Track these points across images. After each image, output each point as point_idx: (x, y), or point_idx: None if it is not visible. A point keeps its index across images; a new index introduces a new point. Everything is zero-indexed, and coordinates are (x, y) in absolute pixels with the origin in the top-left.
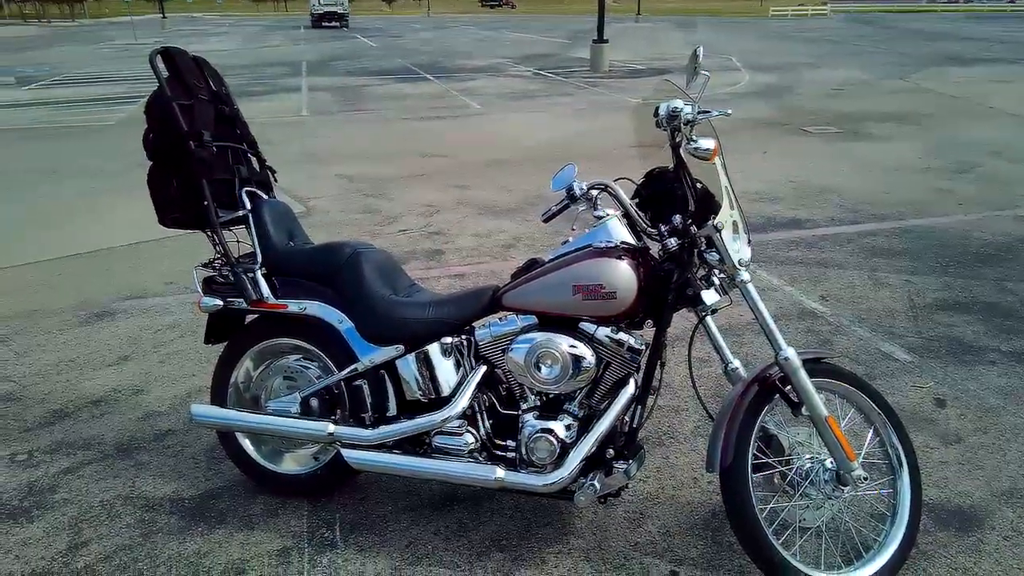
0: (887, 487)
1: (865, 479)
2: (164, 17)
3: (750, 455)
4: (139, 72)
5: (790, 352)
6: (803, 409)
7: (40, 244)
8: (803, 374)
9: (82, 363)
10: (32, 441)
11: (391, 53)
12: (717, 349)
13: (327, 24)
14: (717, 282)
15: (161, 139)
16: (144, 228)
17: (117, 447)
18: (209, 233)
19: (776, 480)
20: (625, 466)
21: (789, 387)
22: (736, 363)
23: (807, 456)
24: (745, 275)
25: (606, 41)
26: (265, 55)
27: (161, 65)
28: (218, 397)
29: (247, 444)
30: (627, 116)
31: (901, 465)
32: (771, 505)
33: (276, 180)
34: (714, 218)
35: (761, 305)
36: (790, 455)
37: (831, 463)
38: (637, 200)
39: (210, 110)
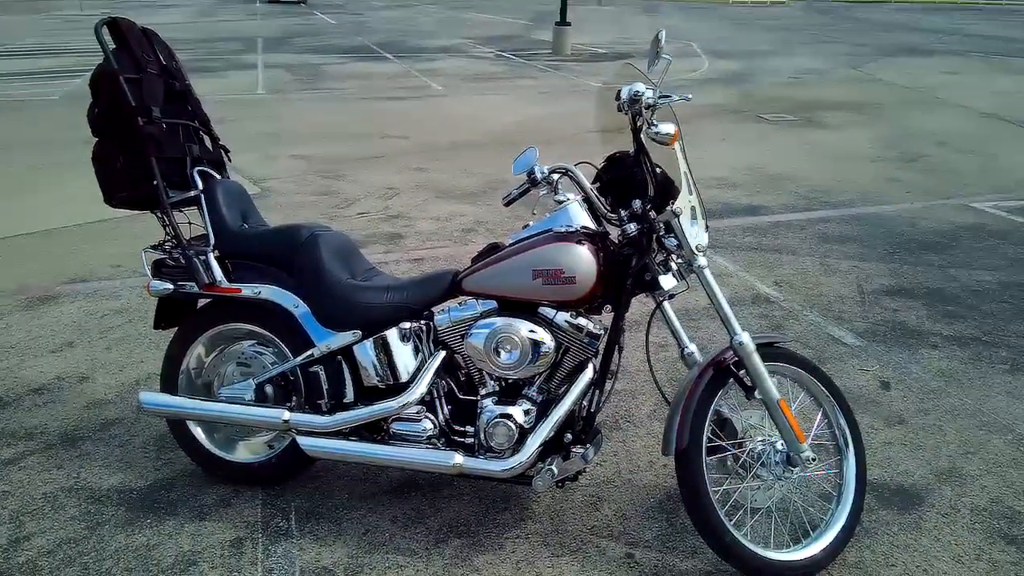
0: (834, 468)
1: (814, 460)
2: None
3: (704, 438)
4: (85, 44)
5: (744, 337)
6: (756, 392)
7: None
8: (757, 358)
9: (23, 349)
10: None
11: (351, 31)
12: (674, 334)
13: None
14: (675, 267)
15: (108, 114)
16: (91, 207)
17: (61, 437)
18: (159, 214)
19: (729, 462)
20: (583, 450)
21: (743, 371)
22: (692, 348)
23: (759, 439)
24: (702, 260)
25: (568, 24)
26: (219, 29)
27: (108, 36)
28: (168, 384)
29: (199, 432)
30: (589, 100)
31: (847, 446)
32: (724, 487)
33: (230, 160)
34: (673, 203)
35: (717, 290)
36: (743, 438)
37: (782, 445)
38: (598, 184)
39: (160, 85)
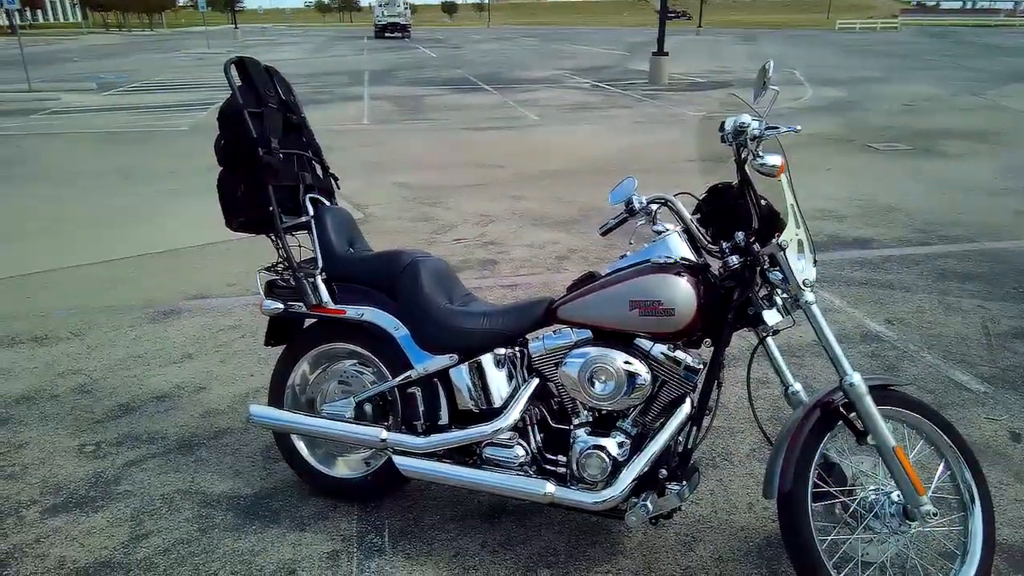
0: (957, 524)
1: (934, 514)
2: (236, 27)
3: (810, 483)
4: (211, 80)
5: (856, 377)
6: (868, 438)
7: (115, 243)
8: (869, 401)
9: (149, 359)
10: (100, 433)
11: (451, 64)
12: (778, 371)
13: (389, 35)
14: (780, 302)
15: (232, 145)
16: (210, 230)
17: (179, 442)
18: (273, 238)
19: (837, 511)
20: (678, 488)
21: (854, 414)
22: (797, 386)
23: (872, 487)
24: (810, 296)
25: (666, 53)
26: (329, 64)
27: (235, 74)
28: (275, 398)
29: (301, 446)
30: (687, 129)
31: (973, 501)
32: (831, 537)
33: (339, 188)
34: (778, 236)
35: (826, 327)
36: (853, 485)
37: (898, 496)
38: (698, 216)
39: (279, 118)
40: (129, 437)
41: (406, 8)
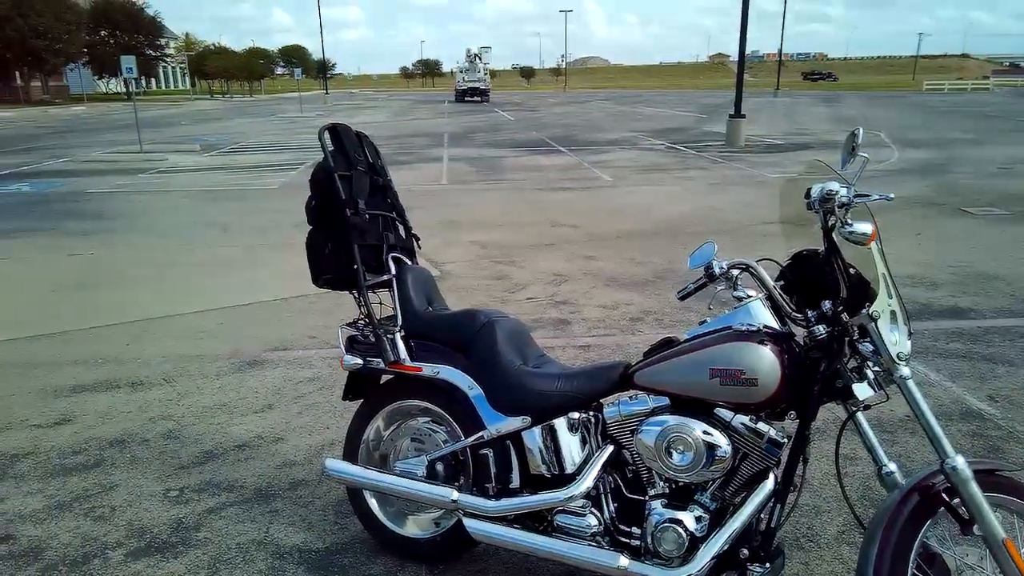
0: None
1: None
2: (327, 93)
3: (910, 574)
4: (300, 141)
5: (959, 460)
6: (975, 527)
7: (208, 294)
8: (974, 487)
9: (232, 408)
10: (184, 479)
11: (527, 126)
12: (869, 449)
13: (469, 99)
14: (871, 375)
15: (322, 206)
16: (294, 283)
17: (256, 492)
18: (356, 294)
19: None
20: (761, 570)
21: (957, 500)
22: (892, 466)
23: None
24: (905, 370)
25: (743, 116)
26: (412, 127)
27: (328, 139)
28: (350, 452)
29: (373, 503)
30: (764, 191)
31: None
32: None
33: (420, 247)
34: (869, 306)
35: (924, 404)
36: None
37: None
38: (781, 283)
39: (366, 180)
40: (211, 484)
41: (485, 73)
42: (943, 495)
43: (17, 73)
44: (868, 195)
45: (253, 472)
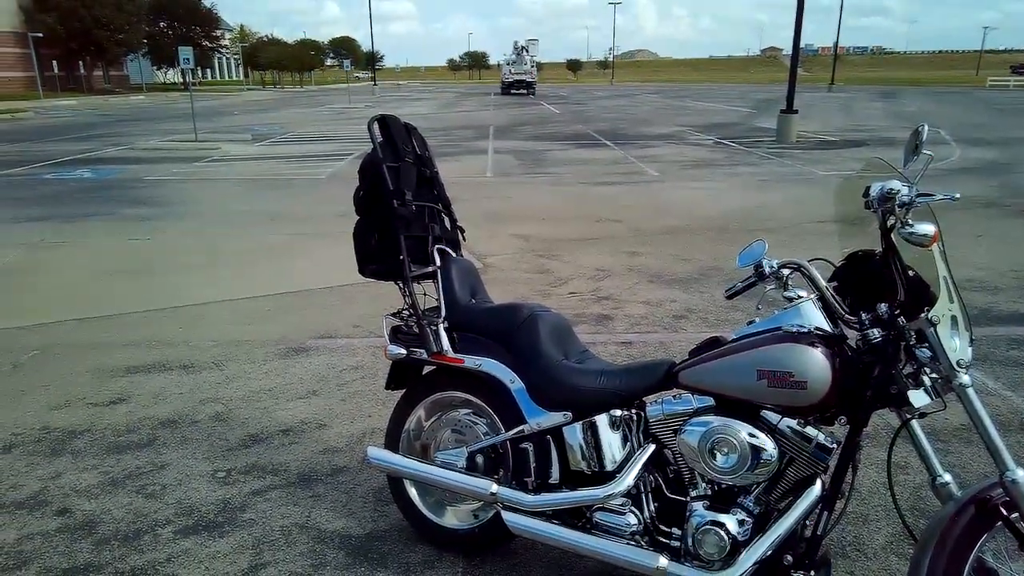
0: None
1: None
2: (375, 84)
3: None
4: (348, 132)
5: (1020, 474)
6: None
7: (257, 281)
8: None
9: (278, 393)
10: (231, 460)
11: (573, 120)
12: (924, 459)
13: (515, 91)
14: (928, 382)
15: (369, 196)
16: (341, 272)
17: (299, 476)
18: (401, 285)
19: None
20: None
21: (1016, 515)
22: (947, 477)
23: None
24: (965, 378)
25: (795, 111)
26: (458, 119)
27: (377, 130)
28: (391, 442)
29: (413, 492)
30: (816, 189)
31: None
32: None
33: (464, 240)
34: (928, 310)
35: (984, 415)
36: None
37: None
38: (835, 284)
39: (414, 172)
40: (256, 467)
41: (532, 66)
42: (1002, 509)
43: (80, 63)
44: (931, 195)
45: (297, 457)
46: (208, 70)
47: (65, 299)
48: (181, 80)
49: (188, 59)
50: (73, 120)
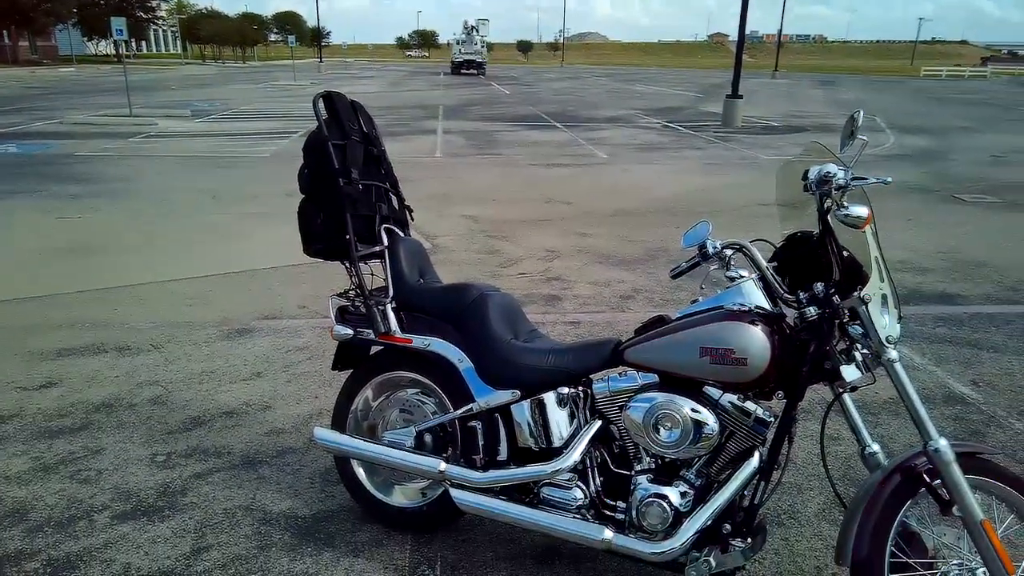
0: None
1: None
2: (321, 61)
3: (888, 551)
4: (292, 109)
5: (942, 443)
6: (954, 508)
7: (198, 260)
8: (956, 469)
9: (220, 375)
10: (171, 444)
11: (523, 101)
12: (854, 430)
13: (465, 71)
14: (859, 358)
15: (314, 175)
16: (286, 252)
17: (243, 458)
18: (347, 265)
19: None
20: (743, 545)
21: (938, 481)
22: (875, 447)
23: (955, 562)
24: (893, 353)
25: (740, 96)
26: (407, 98)
27: (322, 107)
28: (338, 422)
29: (360, 472)
30: (759, 173)
31: None
32: None
33: (412, 219)
34: (861, 289)
35: (910, 387)
36: (934, 558)
37: (983, 573)
38: (774, 264)
39: (360, 150)
40: (197, 450)
41: (482, 46)
42: (925, 476)
43: (4, 32)
44: (865, 178)
45: (241, 439)
46: (144, 43)
47: None
48: (114, 52)
49: (121, 30)
50: None
